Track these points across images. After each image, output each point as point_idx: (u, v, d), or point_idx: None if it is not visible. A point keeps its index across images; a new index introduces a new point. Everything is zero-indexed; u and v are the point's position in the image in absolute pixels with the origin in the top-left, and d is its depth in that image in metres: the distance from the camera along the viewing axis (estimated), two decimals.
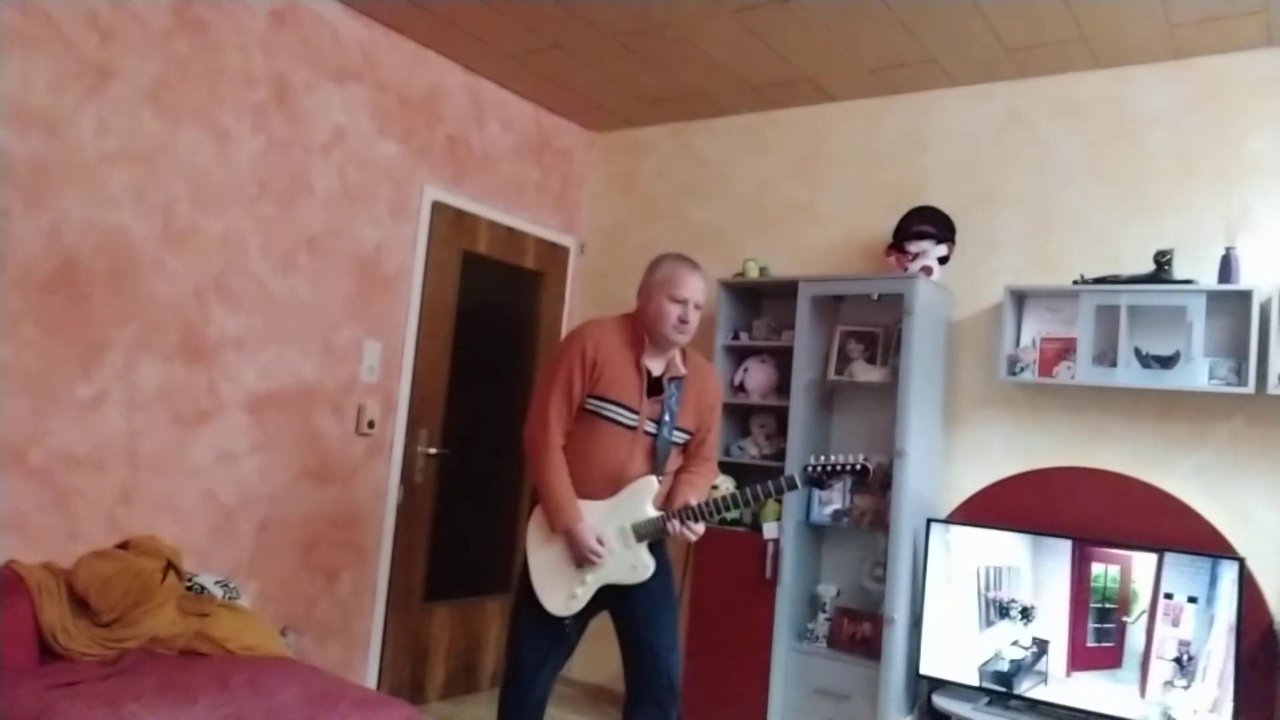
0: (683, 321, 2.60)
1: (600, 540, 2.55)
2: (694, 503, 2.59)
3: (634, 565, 2.59)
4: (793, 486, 2.58)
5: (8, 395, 2.74)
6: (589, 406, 2.59)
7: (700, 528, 2.58)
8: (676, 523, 2.55)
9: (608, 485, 2.59)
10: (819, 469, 2.57)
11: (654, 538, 2.60)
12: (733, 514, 3.82)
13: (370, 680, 3.82)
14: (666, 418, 2.62)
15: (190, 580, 2.98)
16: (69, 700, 2.25)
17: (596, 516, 2.58)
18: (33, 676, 2.39)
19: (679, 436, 2.67)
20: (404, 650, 3.97)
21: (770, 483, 2.58)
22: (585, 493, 2.59)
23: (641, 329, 2.65)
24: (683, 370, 2.68)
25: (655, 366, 2.65)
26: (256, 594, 3.38)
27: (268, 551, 3.45)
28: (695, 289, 2.62)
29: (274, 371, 3.45)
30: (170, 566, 2.81)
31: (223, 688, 2.46)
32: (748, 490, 2.61)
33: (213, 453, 3.26)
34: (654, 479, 2.60)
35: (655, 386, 2.63)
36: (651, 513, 2.58)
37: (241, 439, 3.35)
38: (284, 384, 3.49)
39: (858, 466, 2.55)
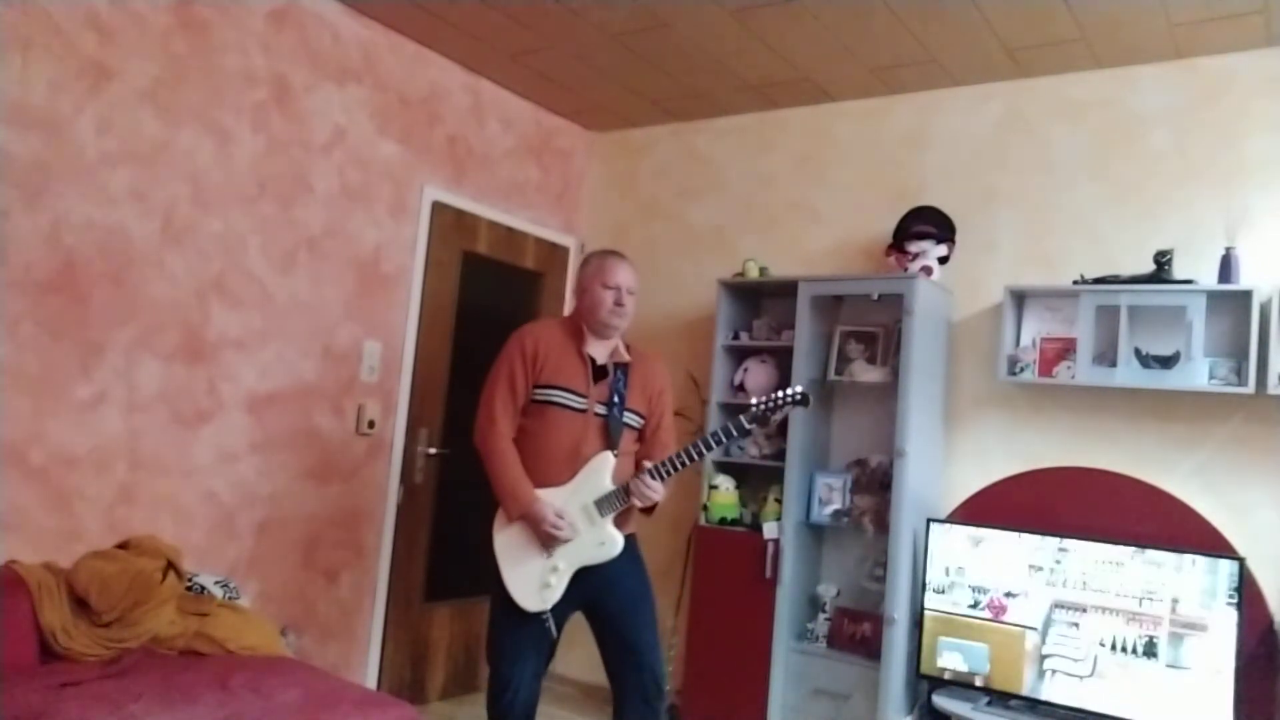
0: (618, 305, 2.73)
1: (561, 515, 2.58)
2: (649, 465, 2.64)
3: (601, 541, 2.62)
4: (741, 430, 2.65)
5: (8, 395, 2.74)
6: (538, 396, 2.68)
7: (659, 486, 2.61)
8: (636, 481, 2.59)
9: (567, 468, 2.65)
10: (762, 405, 2.63)
11: (616, 510, 2.62)
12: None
13: (370, 680, 3.82)
14: (615, 399, 2.70)
15: (190, 580, 2.97)
16: (69, 700, 2.25)
17: (559, 500, 2.62)
18: (33, 676, 2.39)
19: (630, 418, 2.74)
20: (404, 650, 3.97)
21: (719, 430, 2.64)
22: (546, 480, 2.64)
23: (581, 320, 2.78)
24: (626, 357, 2.79)
25: (599, 354, 2.76)
26: (256, 594, 3.38)
27: (268, 551, 3.44)
28: (625, 275, 2.77)
29: (274, 371, 3.45)
30: (170, 566, 2.81)
31: (223, 688, 2.46)
32: (699, 441, 2.64)
33: (213, 453, 3.26)
34: (609, 454, 2.65)
35: (601, 373, 2.73)
36: (611, 485, 2.62)
37: (241, 439, 3.35)
38: (284, 384, 3.48)
39: (796, 396, 2.62)
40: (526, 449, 2.67)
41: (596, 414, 2.68)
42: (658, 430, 2.82)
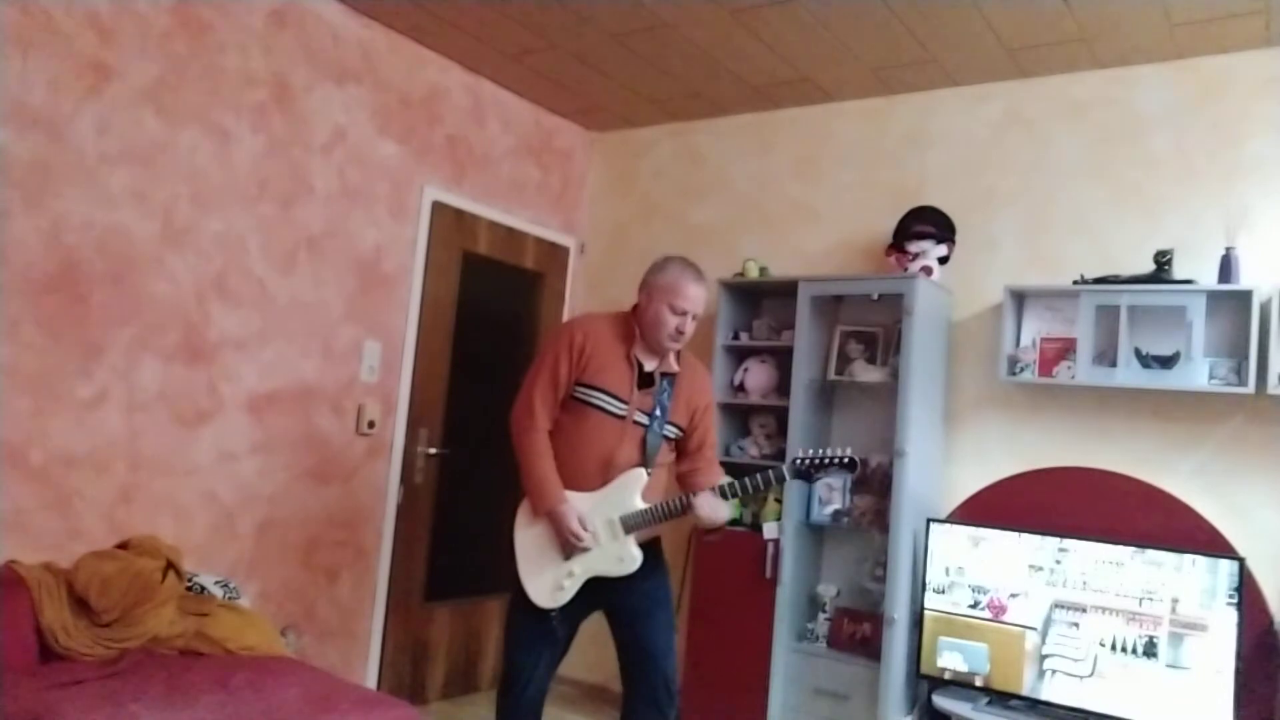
0: (679, 332, 2.61)
1: (584, 524, 2.54)
2: (723, 482, 2.56)
3: (621, 557, 2.58)
4: (781, 480, 2.55)
5: (8, 395, 2.74)
6: (578, 395, 2.60)
7: (726, 509, 2.56)
8: (705, 497, 2.52)
9: (598, 475, 2.59)
10: (807, 462, 2.54)
11: (641, 529, 2.58)
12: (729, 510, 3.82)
13: (370, 680, 3.82)
14: (658, 411, 2.62)
15: (190, 580, 2.98)
16: (69, 700, 2.25)
17: (585, 506, 2.57)
18: (33, 676, 2.39)
19: (670, 431, 2.67)
20: (404, 650, 3.97)
21: (759, 475, 2.54)
22: (575, 483, 2.58)
23: (636, 326, 2.67)
24: (675, 368, 2.69)
25: (648, 362, 2.66)
26: (256, 594, 3.38)
27: (268, 551, 3.44)
28: (696, 300, 2.63)
29: (274, 371, 3.45)
30: (170, 566, 2.81)
31: (223, 688, 2.46)
32: (737, 484, 2.56)
33: (213, 453, 3.26)
34: (643, 471, 2.58)
35: (647, 380, 2.64)
36: (640, 504, 2.56)
37: (241, 439, 3.35)
38: (284, 384, 3.48)
39: (845, 460, 2.52)
40: (559, 446, 2.61)
41: (636, 422, 2.60)
42: (702, 447, 2.74)
